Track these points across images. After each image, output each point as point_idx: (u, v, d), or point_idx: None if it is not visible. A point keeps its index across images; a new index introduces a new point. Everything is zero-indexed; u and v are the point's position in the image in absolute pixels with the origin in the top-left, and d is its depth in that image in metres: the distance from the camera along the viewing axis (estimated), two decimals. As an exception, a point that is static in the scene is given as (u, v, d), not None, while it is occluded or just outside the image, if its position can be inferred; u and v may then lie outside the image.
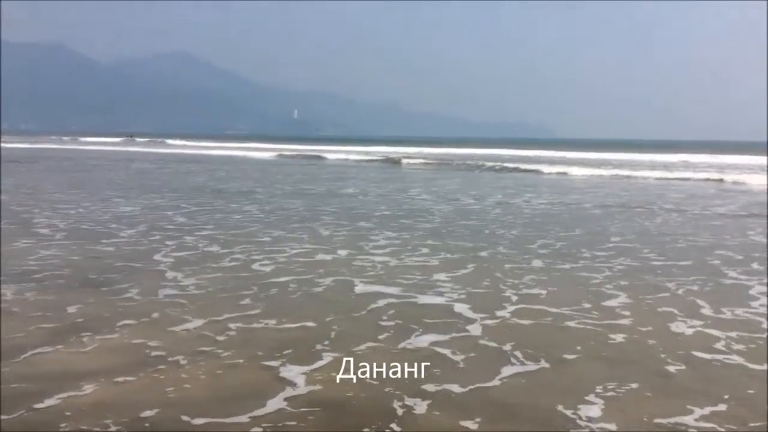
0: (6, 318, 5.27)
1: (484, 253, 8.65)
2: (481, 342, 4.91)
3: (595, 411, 3.70)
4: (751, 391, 4.07)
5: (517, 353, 4.66)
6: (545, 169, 30.34)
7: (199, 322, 5.24)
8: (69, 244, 8.76)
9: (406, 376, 4.16)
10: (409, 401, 3.76)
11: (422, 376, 4.17)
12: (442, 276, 7.19)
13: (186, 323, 5.21)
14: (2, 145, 53.59)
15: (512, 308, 5.90)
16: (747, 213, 14.44)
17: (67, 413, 3.52)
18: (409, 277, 7.09)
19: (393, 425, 3.47)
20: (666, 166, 34.27)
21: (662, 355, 4.70)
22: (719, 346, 4.94)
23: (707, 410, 3.75)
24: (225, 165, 32.55)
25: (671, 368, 4.45)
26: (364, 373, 4.17)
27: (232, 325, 5.18)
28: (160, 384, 3.96)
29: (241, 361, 4.38)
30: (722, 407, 3.80)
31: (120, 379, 4.01)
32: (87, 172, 25.10)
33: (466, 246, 9.26)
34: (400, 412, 3.63)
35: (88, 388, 3.85)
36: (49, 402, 3.65)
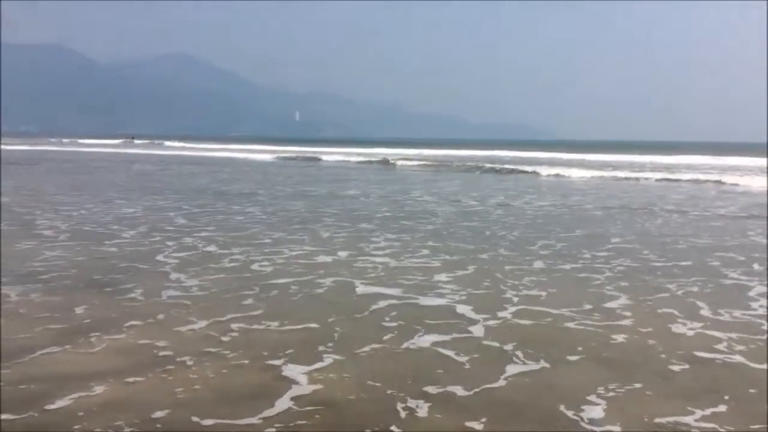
0: (13, 319, 5.31)
1: (484, 255, 8.69)
2: (484, 343, 4.95)
3: (597, 411, 3.73)
4: (753, 391, 4.11)
5: (520, 354, 4.70)
6: (546, 171, 30.37)
7: (203, 323, 5.28)
8: (73, 245, 8.81)
9: (409, 376, 4.20)
10: (411, 402, 3.79)
11: (425, 377, 4.20)
12: (443, 277, 7.24)
13: (191, 324, 5.26)
14: (3, 147, 53.62)
15: (514, 309, 5.94)
16: (747, 214, 14.48)
17: (80, 413, 3.55)
18: (411, 279, 7.13)
19: (395, 427, 3.49)
20: (667, 168, 34.32)
21: (663, 356, 4.74)
22: (720, 346, 4.98)
23: (708, 411, 3.78)
24: (226, 167, 32.61)
25: (672, 369, 4.49)
26: (368, 373, 4.21)
27: (236, 326, 5.22)
28: (169, 384, 4.00)
29: (246, 362, 4.42)
30: (724, 408, 3.84)
31: (130, 379, 4.05)
32: (88, 174, 25.15)
33: (467, 248, 9.30)
34: (402, 414, 3.65)
35: (99, 389, 3.89)
36: (60, 403, 3.68)
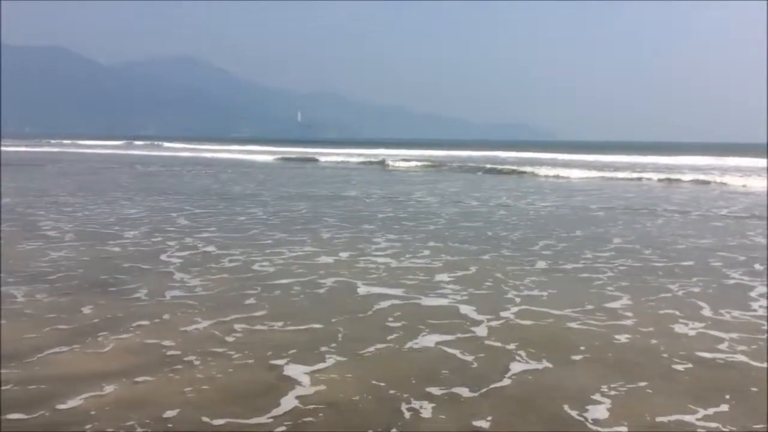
0: (21, 319, 5.36)
1: (486, 256, 8.73)
2: (487, 343, 4.98)
3: (601, 411, 3.77)
4: (755, 390, 4.14)
5: (523, 354, 4.74)
6: (547, 171, 30.39)
7: (208, 323, 5.33)
8: (78, 245, 8.87)
9: (413, 376, 4.23)
10: (415, 403, 3.81)
11: (430, 377, 4.24)
12: (445, 277, 7.28)
13: (196, 324, 5.31)
14: (7, 149, 53.79)
15: (516, 309, 5.97)
16: (748, 215, 14.51)
17: (92, 413, 3.59)
18: (413, 279, 7.17)
19: (400, 427, 3.52)
20: (669, 168, 34.32)
21: (665, 356, 4.78)
22: (722, 346, 5.02)
23: (711, 410, 3.82)
24: (228, 168, 32.70)
25: (675, 368, 4.52)
26: (372, 373, 4.25)
27: (240, 326, 5.27)
28: (178, 384, 4.04)
29: (252, 362, 4.46)
30: (726, 407, 3.87)
31: (139, 379, 4.10)
32: (92, 175, 25.23)
33: (469, 248, 9.34)
34: (407, 415, 3.67)
35: (109, 388, 3.93)
36: (71, 402, 3.71)
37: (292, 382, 4.09)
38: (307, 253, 8.68)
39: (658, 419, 3.68)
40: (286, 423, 3.53)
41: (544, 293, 6.63)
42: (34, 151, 53.34)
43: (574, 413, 3.74)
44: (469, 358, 4.64)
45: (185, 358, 4.48)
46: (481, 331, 5.29)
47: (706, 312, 6.03)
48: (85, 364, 4.34)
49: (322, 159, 44.74)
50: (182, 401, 3.78)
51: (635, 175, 28.51)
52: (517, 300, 6.33)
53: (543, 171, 30.58)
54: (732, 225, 12.69)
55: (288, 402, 3.79)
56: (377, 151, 58.83)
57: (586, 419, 3.66)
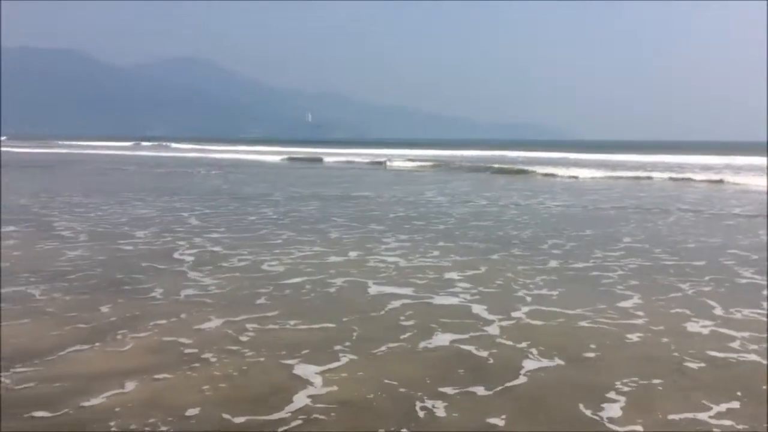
0: (43, 318, 5.47)
1: (496, 255, 8.75)
2: (500, 341, 5.02)
3: (615, 409, 3.80)
4: (767, 388, 4.16)
5: (535, 352, 4.77)
6: (557, 171, 30.28)
7: (222, 321, 5.41)
8: (93, 245, 8.99)
9: (427, 376, 4.28)
10: (428, 402, 3.84)
11: (443, 376, 4.28)
12: (456, 276, 7.31)
13: (211, 322, 5.38)
14: (14, 150, 54.35)
15: (527, 309, 6.00)
16: (761, 214, 14.42)
17: (116, 410, 3.66)
18: (423, 278, 7.21)
19: (414, 426, 3.55)
20: (680, 167, 34.10)
21: (677, 354, 4.79)
22: (734, 345, 5.03)
23: (724, 407, 3.84)
24: (236, 168, 32.89)
25: (688, 366, 4.54)
26: (385, 372, 4.29)
27: (253, 326, 5.32)
28: (196, 382, 4.11)
29: (266, 360, 4.52)
30: (738, 405, 3.89)
31: (159, 376, 4.18)
32: (103, 176, 25.48)
33: (479, 247, 9.37)
34: (421, 414, 3.70)
35: (131, 386, 4.01)
36: (95, 400, 3.78)
37: (305, 381, 4.14)
38: (317, 252, 8.75)
39: (671, 417, 3.71)
40: (300, 418, 3.59)
41: (555, 292, 6.66)
42: (46, 153, 53.84)
43: (588, 412, 3.77)
44: (482, 356, 4.68)
45: (202, 356, 4.55)
46: (493, 330, 5.33)
47: (718, 311, 6.03)
48: (106, 362, 4.43)
49: (331, 159, 44.94)
50: (201, 399, 3.84)
51: (646, 174, 28.35)
52: (528, 299, 6.36)
53: (552, 170, 30.48)
54: (744, 224, 12.63)
55: (300, 400, 3.83)
56: (386, 152, 58.91)
57: (602, 417, 3.69)
